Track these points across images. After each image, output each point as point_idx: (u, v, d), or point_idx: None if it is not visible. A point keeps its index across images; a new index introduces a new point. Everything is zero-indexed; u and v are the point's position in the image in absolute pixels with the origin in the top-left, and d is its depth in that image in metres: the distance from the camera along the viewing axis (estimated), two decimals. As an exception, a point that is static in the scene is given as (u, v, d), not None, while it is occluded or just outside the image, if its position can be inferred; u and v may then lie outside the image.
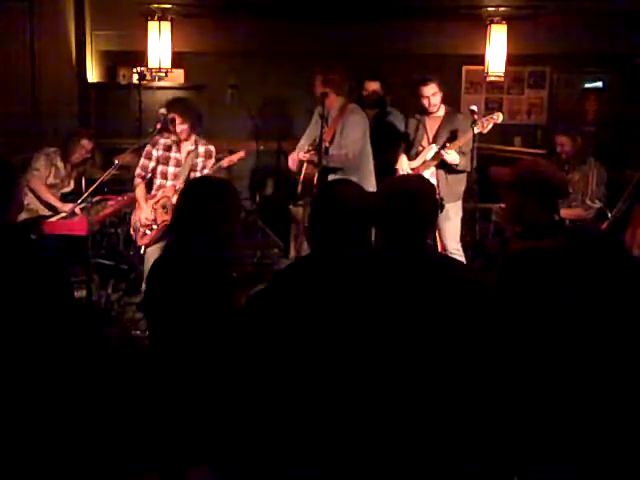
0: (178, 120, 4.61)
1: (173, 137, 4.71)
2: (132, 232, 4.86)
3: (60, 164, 5.18)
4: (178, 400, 2.22)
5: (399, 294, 2.09)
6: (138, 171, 4.78)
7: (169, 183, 4.72)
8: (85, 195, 4.87)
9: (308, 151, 4.79)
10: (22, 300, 2.20)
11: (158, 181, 4.77)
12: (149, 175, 4.78)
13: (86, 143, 5.28)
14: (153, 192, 4.78)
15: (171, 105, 4.71)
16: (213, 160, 4.77)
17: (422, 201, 2.28)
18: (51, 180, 5.14)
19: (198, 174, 4.68)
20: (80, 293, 4.43)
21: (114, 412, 2.86)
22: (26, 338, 2.20)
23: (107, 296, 4.94)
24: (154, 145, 4.74)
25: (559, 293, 2.13)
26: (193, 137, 4.73)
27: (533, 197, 2.43)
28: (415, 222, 2.24)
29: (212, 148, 4.78)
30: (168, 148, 4.74)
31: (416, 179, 2.66)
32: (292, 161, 4.92)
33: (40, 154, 5.12)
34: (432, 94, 4.73)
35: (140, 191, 4.79)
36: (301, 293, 2.07)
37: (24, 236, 2.45)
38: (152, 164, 4.74)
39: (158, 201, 4.70)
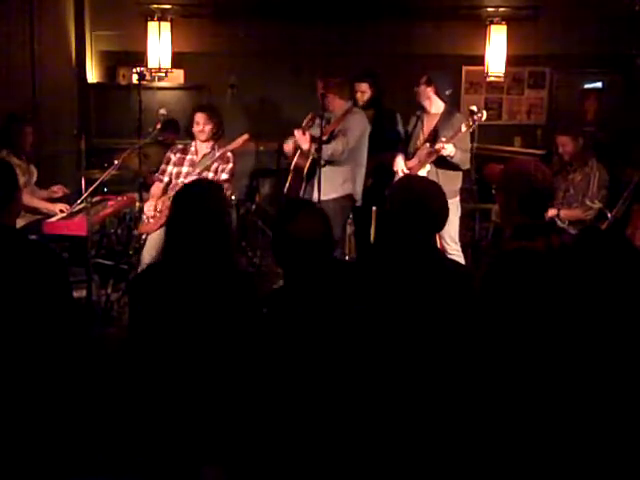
0: (202, 120, 4.75)
1: (192, 142, 4.85)
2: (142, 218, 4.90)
3: (17, 161, 4.88)
4: (186, 397, 2.21)
5: (408, 292, 2.11)
6: (157, 175, 4.91)
7: (180, 180, 4.73)
8: (85, 195, 4.86)
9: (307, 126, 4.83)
10: (21, 300, 2.21)
11: (172, 182, 4.81)
12: (167, 179, 4.86)
13: (28, 128, 5.02)
14: (168, 194, 4.79)
15: (200, 106, 4.96)
16: (231, 165, 4.80)
17: (433, 203, 2.31)
18: (21, 181, 4.74)
19: (211, 175, 4.71)
20: (80, 293, 4.41)
21: (113, 412, 2.86)
22: (25, 338, 2.20)
23: (107, 296, 4.93)
24: (173, 151, 4.90)
25: (543, 293, 2.12)
26: (212, 142, 4.82)
27: (518, 198, 2.42)
28: (425, 223, 2.26)
29: (230, 154, 4.81)
30: (184, 151, 4.88)
31: (426, 181, 2.68)
32: (287, 146, 5.06)
33: None
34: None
35: (156, 188, 4.86)
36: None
37: (23, 236, 2.46)
38: (170, 168, 4.85)
39: (169, 197, 4.70)
